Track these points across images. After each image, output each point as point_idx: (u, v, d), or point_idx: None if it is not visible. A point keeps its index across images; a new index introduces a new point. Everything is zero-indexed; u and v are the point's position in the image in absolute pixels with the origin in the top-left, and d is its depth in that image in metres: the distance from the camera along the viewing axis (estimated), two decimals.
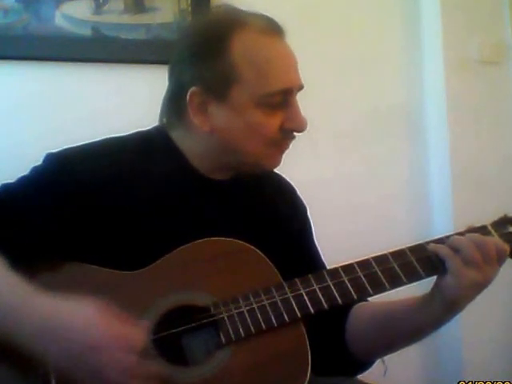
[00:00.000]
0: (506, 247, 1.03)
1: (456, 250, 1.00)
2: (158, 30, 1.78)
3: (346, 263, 1.03)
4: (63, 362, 0.86)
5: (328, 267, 1.08)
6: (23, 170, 1.05)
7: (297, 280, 1.01)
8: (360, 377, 1.15)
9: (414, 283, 1.02)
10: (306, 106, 1.07)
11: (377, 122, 2.01)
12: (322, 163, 1.92)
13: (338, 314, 1.11)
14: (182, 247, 1.02)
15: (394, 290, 1.02)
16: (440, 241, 1.04)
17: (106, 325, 0.87)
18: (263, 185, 1.18)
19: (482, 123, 2.03)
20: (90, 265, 1.00)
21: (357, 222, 1.94)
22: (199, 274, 1.01)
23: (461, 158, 2.00)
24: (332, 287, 1.01)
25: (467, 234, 1.03)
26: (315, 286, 1.01)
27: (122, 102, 1.74)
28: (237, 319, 0.97)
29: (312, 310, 0.99)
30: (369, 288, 1.01)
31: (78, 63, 1.72)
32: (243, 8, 1.08)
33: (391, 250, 1.04)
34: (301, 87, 1.08)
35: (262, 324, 0.97)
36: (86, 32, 1.73)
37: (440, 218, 2.02)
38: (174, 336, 0.97)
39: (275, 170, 1.18)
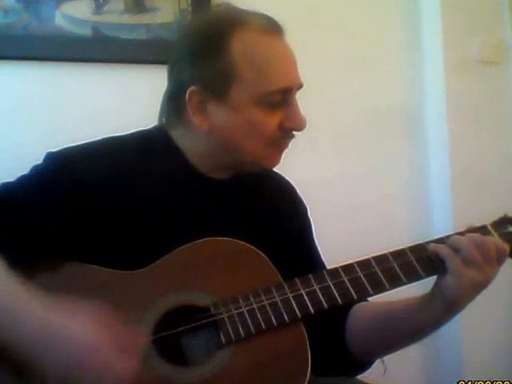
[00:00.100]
0: (506, 247, 1.03)
1: (456, 249, 1.00)
2: (158, 30, 1.78)
3: (346, 263, 1.03)
4: (62, 364, 0.85)
5: (328, 267, 1.08)
6: (23, 170, 1.04)
7: (297, 280, 1.01)
8: (360, 377, 1.14)
9: (414, 283, 1.03)
10: (305, 106, 1.07)
11: (377, 121, 2.01)
12: (322, 163, 1.92)
13: (338, 314, 1.11)
14: (182, 247, 1.02)
15: (393, 290, 1.02)
16: (440, 241, 1.04)
17: (106, 326, 0.86)
18: (263, 184, 1.18)
19: (481, 123, 2.03)
20: (89, 265, 0.99)
21: (357, 222, 1.94)
22: (199, 274, 1.01)
23: (461, 158, 2.00)
24: (332, 287, 1.01)
25: (467, 234, 1.03)
26: (315, 286, 1.01)
27: (122, 102, 1.73)
28: (237, 319, 0.97)
29: (312, 310, 0.99)
30: (369, 288, 1.01)
31: (78, 63, 1.72)
32: (243, 7, 1.08)
33: (391, 250, 1.04)
34: (300, 86, 1.08)
35: (262, 324, 0.97)
36: (86, 32, 1.73)
37: (440, 217, 2.02)
38: (174, 336, 0.97)
39: (275, 170, 1.18)
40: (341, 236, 1.81)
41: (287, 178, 1.24)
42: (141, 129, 1.14)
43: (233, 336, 0.96)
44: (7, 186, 1.03)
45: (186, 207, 1.08)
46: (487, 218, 1.10)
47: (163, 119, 1.14)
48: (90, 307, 0.88)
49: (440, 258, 1.01)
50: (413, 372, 2.00)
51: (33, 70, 1.69)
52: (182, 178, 1.09)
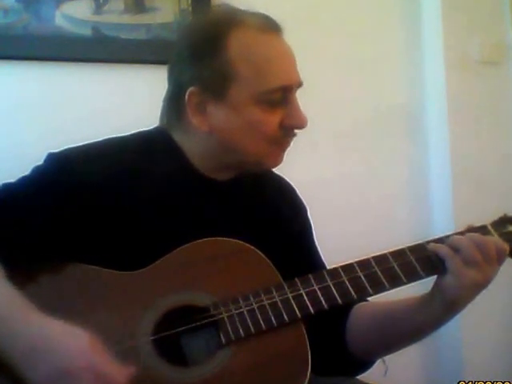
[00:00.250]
0: (506, 247, 1.03)
1: (456, 249, 1.00)
2: (158, 30, 1.78)
3: (346, 263, 1.03)
4: (57, 370, 0.84)
5: (328, 267, 1.08)
6: (23, 170, 1.05)
7: (297, 280, 1.01)
8: (360, 377, 1.14)
9: (414, 283, 1.02)
10: (305, 106, 1.07)
11: (377, 122, 2.01)
12: (322, 163, 1.92)
13: (338, 314, 1.11)
14: (182, 247, 1.02)
15: (393, 290, 1.02)
16: (440, 240, 1.04)
17: (92, 357, 0.85)
18: (264, 185, 1.18)
19: (482, 123, 2.03)
20: (89, 265, 0.99)
21: (357, 222, 1.94)
22: (199, 274, 1.01)
23: (461, 158, 2.00)
24: (332, 287, 1.01)
25: (467, 234, 1.03)
26: (315, 286, 1.01)
27: (122, 102, 1.73)
28: (237, 319, 0.97)
29: (312, 310, 0.99)
30: (369, 288, 1.01)
31: (78, 63, 1.72)
32: (243, 8, 1.08)
33: (391, 250, 1.04)
34: (300, 84, 1.08)
35: (262, 324, 0.97)
36: (86, 32, 1.73)
37: (440, 217, 2.02)
38: (174, 336, 0.97)
39: (275, 171, 1.18)
40: (341, 236, 1.81)
41: (287, 178, 1.24)
42: (141, 129, 1.14)
43: (233, 336, 0.96)
44: (8, 186, 1.03)
45: (187, 207, 1.08)
46: (487, 217, 1.10)
47: (164, 120, 1.14)
48: (82, 337, 0.86)
49: (440, 258, 1.01)
50: (413, 372, 2.00)
51: (33, 70, 1.69)
52: (183, 179, 1.09)
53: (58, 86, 1.71)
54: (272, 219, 1.15)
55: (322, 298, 1.00)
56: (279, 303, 0.99)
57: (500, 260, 1.02)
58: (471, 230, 1.06)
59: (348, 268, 1.03)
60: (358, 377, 1.14)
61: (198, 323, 0.97)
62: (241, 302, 0.98)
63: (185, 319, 0.97)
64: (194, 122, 1.06)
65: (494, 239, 1.03)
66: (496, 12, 2.08)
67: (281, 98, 1.04)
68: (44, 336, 0.86)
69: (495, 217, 1.10)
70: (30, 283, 0.96)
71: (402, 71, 2.06)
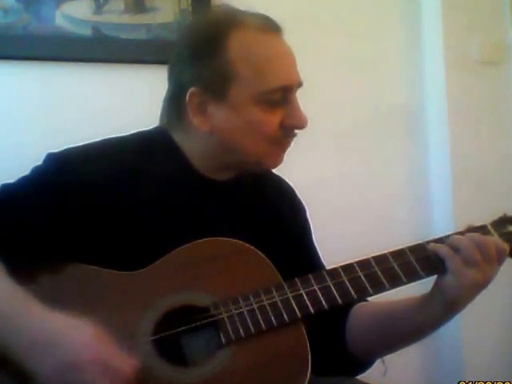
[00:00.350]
0: (506, 246, 1.03)
1: (456, 249, 1.00)
2: (158, 30, 1.78)
3: (346, 263, 1.03)
4: (62, 364, 0.85)
5: (328, 267, 1.08)
6: (23, 170, 1.05)
7: (297, 280, 1.01)
8: (360, 377, 1.14)
9: (414, 283, 1.02)
10: (306, 106, 1.07)
11: (377, 121, 2.01)
12: (322, 163, 1.92)
13: (338, 314, 1.11)
14: (182, 247, 1.02)
15: (393, 290, 1.02)
16: (440, 240, 1.04)
17: (98, 350, 0.85)
18: (263, 186, 1.18)
19: (482, 123, 2.03)
20: (89, 265, 0.99)
21: (357, 222, 1.94)
22: (199, 274, 1.01)
23: (461, 158, 2.00)
24: (332, 287, 1.01)
25: (467, 234, 1.03)
26: (315, 286, 1.01)
27: (122, 102, 1.73)
28: (237, 319, 0.97)
29: (312, 310, 0.99)
30: (369, 288, 1.01)
31: (79, 63, 1.72)
32: (243, 8, 1.08)
33: (391, 250, 1.04)
34: (300, 84, 1.08)
35: (262, 324, 0.97)
36: (87, 32, 1.73)
37: (440, 217, 2.02)
38: (174, 336, 0.97)
39: (275, 172, 1.18)
40: (341, 236, 1.81)
41: (287, 178, 1.24)
42: (141, 129, 1.14)
43: (233, 336, 0.96)
44: (8, 186, 1.03)
45: (186, 208, 1.08)
46: (487, 217, 1.10)
47: (164, 120, 1.14)
48: (87, 328, 0.87)
49: (440, 258, 1.01)
50: (413, 372, 2.00)
51: (33, 70, 1.69)
52: (183, 179, 1.09)
53: (58, 85, 1.71)
54: (272, 219, 1.15)
55: (322, 298, 1.00)
56: (279, 303, 0.99)
57: (500, 260, 1.02)
58: (471, 229, 1.06)
59: (348, 268, 1.03)
60: (357, 377, 1.14)
61: (198, 323, 0.97)
62: (241, 302, 0.98)
63: (185, 319, 0.97)
64: (194, 122, 1.06)
65: (494, 239, 1.03)
66: (496, 12, 2.08)
67: (281, 98, 1.04)
68: (46, 329, 0.87)
69: (495, 217, 1.10)
70: (30, 283, 0.95)
71: (402, 71, 2.06)
